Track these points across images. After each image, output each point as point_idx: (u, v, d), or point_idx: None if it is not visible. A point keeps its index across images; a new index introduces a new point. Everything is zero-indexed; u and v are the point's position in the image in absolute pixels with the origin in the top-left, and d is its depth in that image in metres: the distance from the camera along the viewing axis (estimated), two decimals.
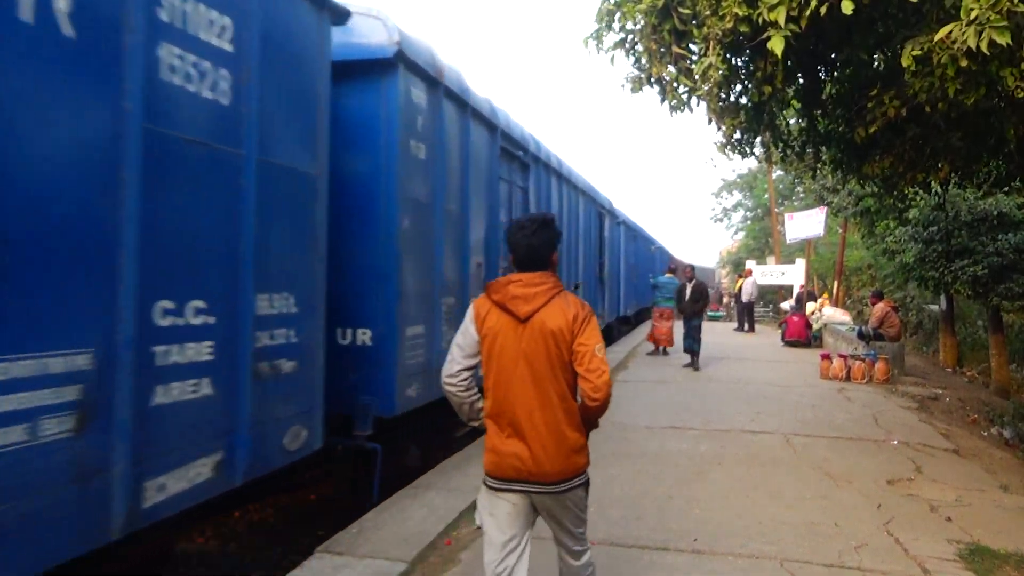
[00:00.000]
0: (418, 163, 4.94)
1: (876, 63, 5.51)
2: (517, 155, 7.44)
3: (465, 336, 2.35)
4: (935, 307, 16.76)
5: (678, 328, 12.05)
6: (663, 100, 4.84)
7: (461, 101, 5.71)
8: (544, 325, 2.24)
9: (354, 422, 4.48)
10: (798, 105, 6.29)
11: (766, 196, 32.70)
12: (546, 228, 2.36)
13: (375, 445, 4.43)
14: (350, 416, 4.48)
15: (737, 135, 5.70)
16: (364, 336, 4.56)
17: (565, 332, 2.24)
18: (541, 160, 8.34)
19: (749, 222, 39.68)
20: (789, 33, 3.73)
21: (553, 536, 2.43)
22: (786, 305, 18.45)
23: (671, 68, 4.61)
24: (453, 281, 5.61)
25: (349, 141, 4.57)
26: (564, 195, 9.71)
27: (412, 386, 4.76)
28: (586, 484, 2.38)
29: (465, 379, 2.35)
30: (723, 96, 4.82)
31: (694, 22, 4.27)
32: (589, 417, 2.34)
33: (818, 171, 7.99)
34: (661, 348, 12.63)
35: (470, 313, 2.38)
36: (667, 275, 13.11)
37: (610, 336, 15.01)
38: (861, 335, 11.71)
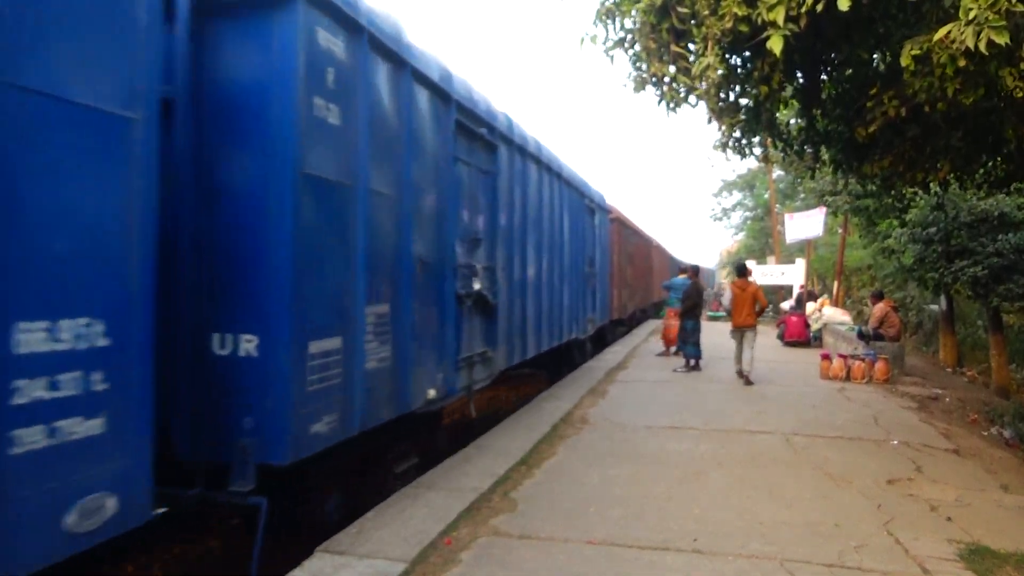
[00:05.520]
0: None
1: (875, 63, 5.51)
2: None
3: (728, 295, 9.94)
4: (935, 307, 16.75)
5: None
6: (660, 101, 4.83)
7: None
8: (748, 290, 9.49)
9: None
10: (797, 104, 6.30)
11: (766, 196, 32.70)
12: (744, 266, 10.30)
13: (259, 500, 3.35)
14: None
15: (736, 134, 5.71)
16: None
17: (755, 293, 9.52)
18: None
19: (749, 222, 39.65)
20: (788, 33, 3.73)
21: (742, 344, 9.48)
22: (786, 305, 18.45)
23: (670, 68, 4.61)
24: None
25: None
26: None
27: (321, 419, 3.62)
28: (756, 328, 9.55)
29: (727, 307, 9.98)
30: (722, 96, 4.82)
31: (692, 21, 4.27)
32: (760, 311, 9.76)
33: (817, 171, 7.99)
34: (672, 349, 12.36)
35: (729, 290, 9.91)
36: (680, 276, 13.11)
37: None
38: (861, 335, 11.71)
